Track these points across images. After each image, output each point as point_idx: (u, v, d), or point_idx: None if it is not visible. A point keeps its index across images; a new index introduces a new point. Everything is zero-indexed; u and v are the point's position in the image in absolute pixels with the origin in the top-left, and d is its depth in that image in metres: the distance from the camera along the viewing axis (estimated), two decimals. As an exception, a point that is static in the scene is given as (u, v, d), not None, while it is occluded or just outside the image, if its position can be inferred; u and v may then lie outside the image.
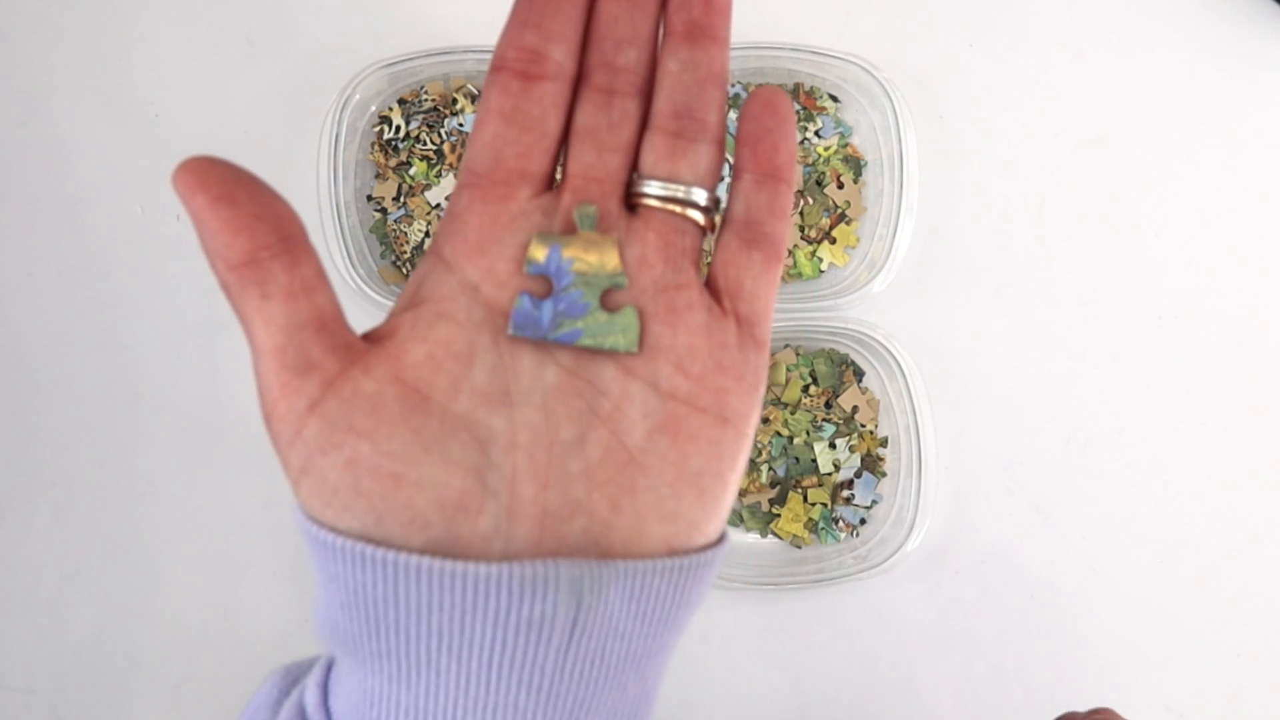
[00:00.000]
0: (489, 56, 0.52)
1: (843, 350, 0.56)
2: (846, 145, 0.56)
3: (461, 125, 0.55)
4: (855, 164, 0.56)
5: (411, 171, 0.55)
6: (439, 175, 0.55)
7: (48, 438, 0.55)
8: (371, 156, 0.55)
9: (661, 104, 0.24)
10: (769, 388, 0.55)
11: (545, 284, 0.23)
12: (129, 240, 0.55)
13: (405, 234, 0.55)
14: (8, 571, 0.55)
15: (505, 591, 0.21)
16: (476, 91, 0.55)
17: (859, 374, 0.56)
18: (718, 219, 0.25)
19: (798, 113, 0.56)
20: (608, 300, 0.23)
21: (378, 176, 0.55)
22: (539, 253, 0.23)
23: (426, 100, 0.55)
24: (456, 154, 0.55)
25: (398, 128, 0.55)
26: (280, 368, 0.21)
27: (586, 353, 0.23)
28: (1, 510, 0.55)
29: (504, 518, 0.22)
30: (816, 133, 0.56)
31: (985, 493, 0.55)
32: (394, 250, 0.55)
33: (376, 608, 0.21)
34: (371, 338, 0.23)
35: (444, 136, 0.55)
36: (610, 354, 0.23)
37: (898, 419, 0.54)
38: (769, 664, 0.55)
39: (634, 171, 0.24)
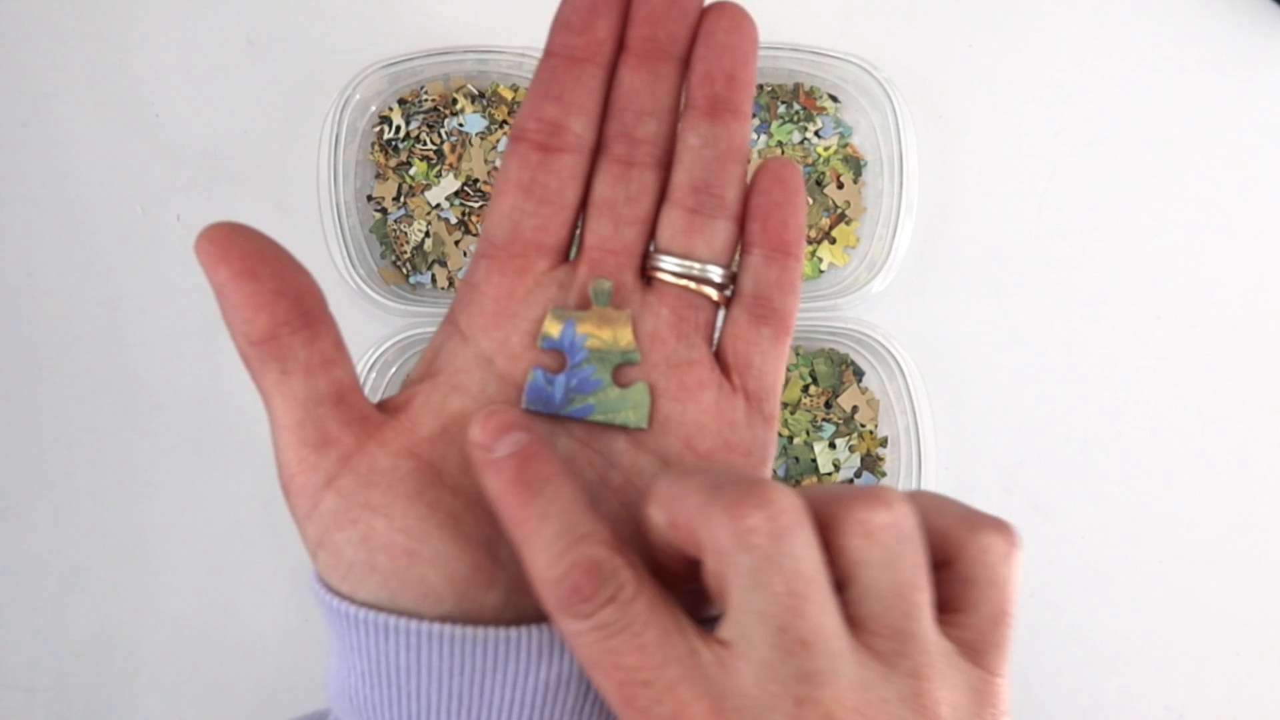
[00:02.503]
0: (489, 56, 0.53)
1: (843, 350, 0.56)
2: (846, 145, 0.56)
3: (461, 125, 0.55)
4: (855, 164, 0.56)
5: (411, 171, 0.55)
6: (439, 175, 0.55)
7: (48, 438, 0.55)
8: (371, 156, 0.55)
9: (680, 178, 0.24)
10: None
11: (559, 359, 0.23)
12: (129, 240, 0.55)
13: (405, 234, 0.55)
14: (8, 571, 0.55)
15: (524, 654, 0.21)
16: (476, 91, 0.55)
17: (859, 374, 0.56)
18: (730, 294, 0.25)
19: (797, 113, 0.56)
20: (620, 376, 0.23)
21: (378, 176, 0.55)
22: (554, 328, 0.23)
23: (426, 100, 0.55)
24: (456, 154, 0.55)
25: (398, 128, 0.55)
26: (299, 442, 0.22)
27: (598, 425, 0.23)
28: (2, 510, 0.55)
29: (514, 589, 0.22)
30: (816, 133, 0.56)
31: (985, 493, 0.55)
32: (394, 250, 0.55)
33: (398, 675, 0.21)
34: (387, 408, 0.23)
35: (444, 136, 0.55)
36: (621, 427, 0.23)
37: (898, 419, 0.54)
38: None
39: (651, 242, 0.24)
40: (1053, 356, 0.56)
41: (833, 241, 0.56)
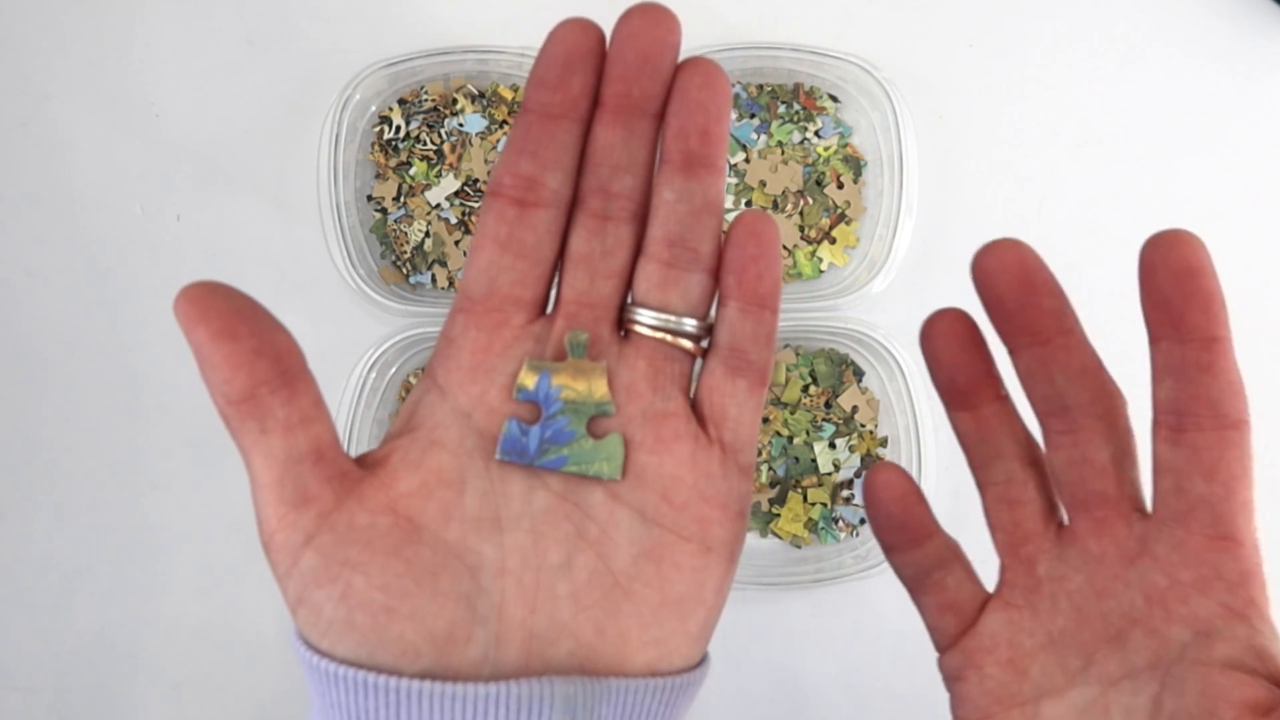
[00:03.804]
0: (489, 56, 0.53)
1: (843, 350, 0.56)
2: (846, 145, 0.56)
3: (461, 125, 0.55)
4: (855, 164, 0.56)
5: (411, 171, 0.55)
6: (439, 175, 0.55)
7: (48, 438, 0.55)
8: (371, 156, 0.55)
9: (656, 232, 0.24)
10: (769, 388, 0.55)
11: (534, 410, 0.24)
12: (129, 240, 0.55)
13: (405, 234, 0.55)
14: (9, 571, 0.55)
15: (503, 709, 0.21)
16: (476, 91, 0.55)
17: (859, 374, 0.56)
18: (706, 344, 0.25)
19: (797, 113, 0.56)
20: (594, 427, 0.24)
21: (378, 176, 0.55)
22: (529, 380, 0.23)
23: (426, 100, 0.55)
24: (456, 154, 0.55)
25: (398, 128, 0.55)
26: (278, 501, 0.22)
27: (576, 477, 0.23)
28: (2, 510, 0.55)
29: (492, 644, 0.22)
30: (816, 133, 0.56)
31: (985, 493, 0.55)
32: (394, 250, 0.55)
33: None
34: (366, 463, 0.23)
35: (444, 136, 0.55)
36: (597, 479, 0.23)
37: (898, 419, 0.54)
38: (769, 664, 0.55)
39: (628, 295, 0.25)
40: (1053, 356, 0.56)
41: (833, 241, 0.56)
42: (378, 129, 0.55)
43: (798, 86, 0.56)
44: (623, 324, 0.25)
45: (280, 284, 0.55)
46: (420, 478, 0.23)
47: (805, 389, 0.56)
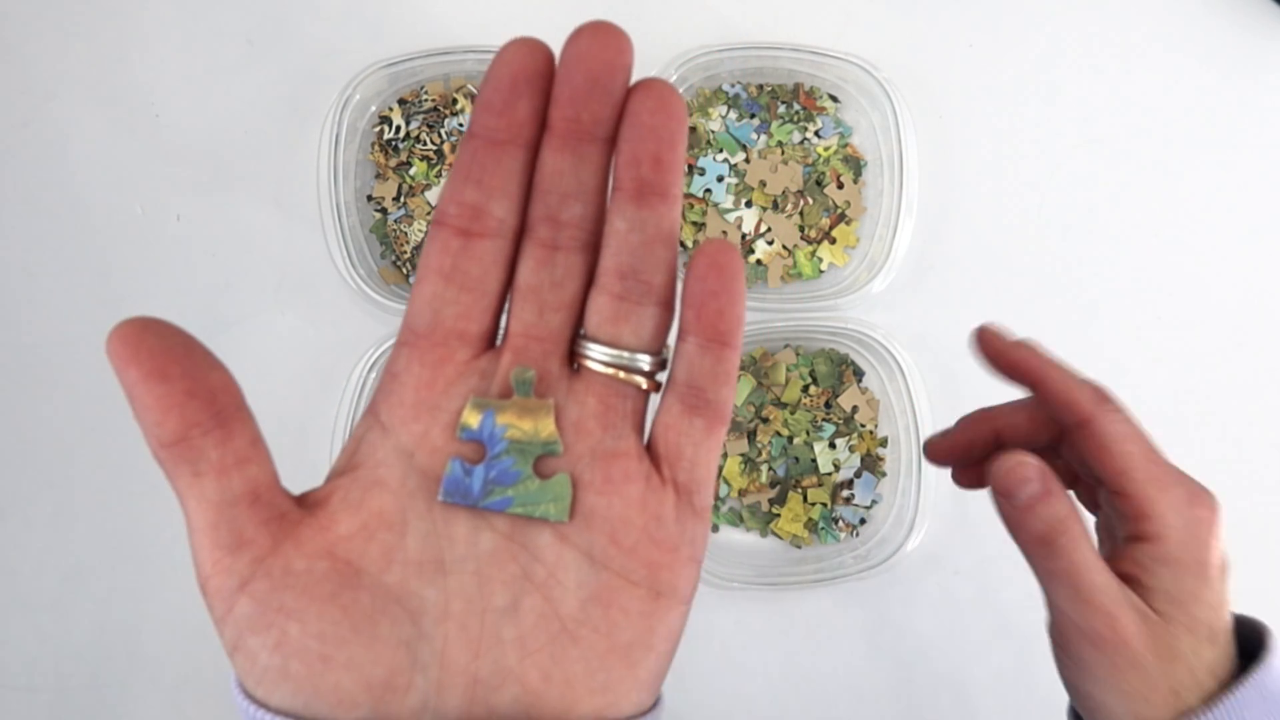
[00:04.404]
0: (489, 56, 0.52)
1: (843, 350, 0.56)
2: (846, 145, 0.56)
3: (461, 125, 0.55)
4: (855, 164, 0.56)
5: (411, 171, 0.55)
6: (439, 175, 0.55)
7: (48, 438, 0.55)
8: (371, 156, 0.55)
9: (608, 263, 0.23)
10: (769, 388, 0.55)
11: (479, 449, 0.23)
12: (129, 240, 0.55)
13: (405, 234, 0.55)
14: (9, 571, 0.55)
15: None
16: (476, 91, 0.55)
17: (859, 374, 0.56)
18: (662, 378, 0.24)
19: (797, 113, 0.56)
20: (541, 467, 0.23)
21: (378, 176, 0.55)
22: (473, 419, 0.23)
23: (426, 100, 0.55)
24: (456, 154, 0.55)
25: (398, 128, 0.55)
26: (213, 545, 0.21)
27: (522, 518, 0.23)
28: (2, 510, 0.55)
29: (433, 691, 0.22)
30: (816, 133, 0.56)
31: (985, 493, 0.55)
32: (394, 250, 0.55)
33: None
34: (307, 502, 0.23)
35: (444, 136, 0.55)
36: (544, 520, 0.23)
37: (898, 419, 0.54)
38: (769, 664, 0.55)
39: (580, 326, 0.24)
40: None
41: (833, 241, 0.56)
42: (378, 129, 0.55)
43: (798, 86, 0.56)
44: (574, 357, 0.24)
45: (280, 284, 0.55)
46: (361, 519, 0.22)
47: (805, 389, 0.56)
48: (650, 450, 0.24)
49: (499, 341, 0.24)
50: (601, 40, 0.21)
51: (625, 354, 0.23)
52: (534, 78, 0.21)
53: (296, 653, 0.21)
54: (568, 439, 0.23)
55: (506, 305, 0.24)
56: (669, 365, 0.24)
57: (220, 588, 0.21)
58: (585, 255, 0.23)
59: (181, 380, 0.20)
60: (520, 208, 0.23)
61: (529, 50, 0.21)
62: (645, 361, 0.23)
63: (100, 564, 0.55)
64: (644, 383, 0.23)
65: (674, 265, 0.23)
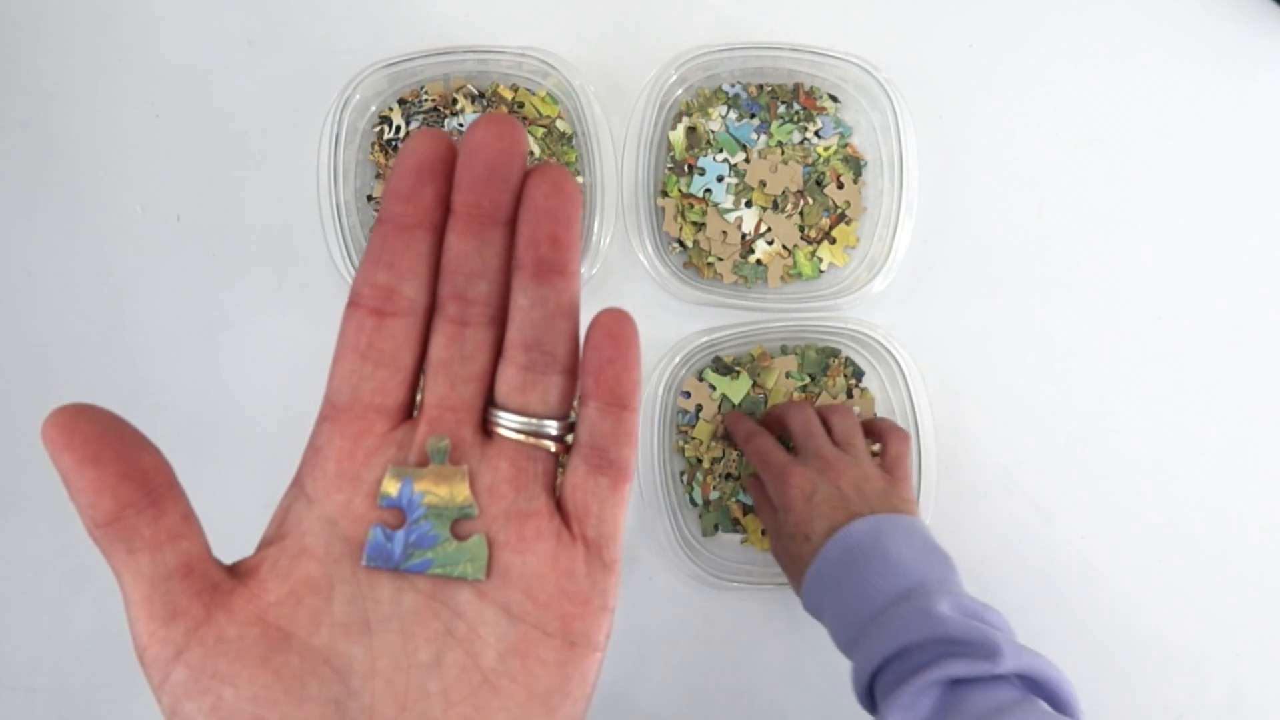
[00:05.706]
0: (489, 56, 0.53)
1: (843, 350, 0.56)
2: (846, 145, 0.56)
3: (461, 125, 0.55)
4: (855, 164, 0.56)
5: (411, 171, 0.55)
6: (439, 175, 0.55)
7: (48, 438, 0.55)
8: (371, 156, 0.55)
9: (514, 336, 0.24)
10: (764, 392, 0.55)
11: (399, 515, 0.24)
12: (129, 240, 0.55)
13: (405, 234, 0.55)
14: (9, 571, 0.55)
15: None
16: (476, 92, 0.55)
17: (859, 374, 0.56)
18: (570, 439, 0.26)
19: (797, 113, 0.56)
20: (458, 529, 0.24)
21: (378, 176, 0.55)
22: (392, 487, 0.24)
23: (426, 100, 0.55)
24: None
25: (398, 128, 0.55)
26: (148, 617, 0.22)
27: (442, 578, 0.24)
28: (3, 510, 0.55)
29: None
30: (816, 133, 0.56)
31: (985, 493, 0.55)
32: (394, 250, 0.55)
33: None
34: (239, 571, 0.24)
35: (444, 136, 0.55)
36: (462, 579, 0.24)
37: (897, 419, 0.54)
38: (769, 663, 0.55)
39: (489, 397, 0.25)
40: (1052, 356, 0.56)
41: (833, 241, 0.56)
42: (378, 129, 0.55)
43: (798, 86, 0.56)
44: (486, 425, 0.25)
45: (280, 284, 0.56)
46: (289, 586, 0.23)
47: (804, 389, 0.56)
48: (560, 509, 0.25)
49: (415, 413, 0.25)
50: (497, 131, 0.22)
51: (534, 420, 0.24)
52: (437, 165, 0.23)
53: (231, 715, 0.22)
54: (482, 502, 0.24)
55: (421, 379, 0.25)
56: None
57: (157, 658, 0.22)
58: (493, 329, 0.25)
59: (114, 463, 0.22)
60: (430, 287, 0.24)
61: (432, 140, 0.23)
62: (553, 426, 0.25)
63: (100, 564, 0.54)
64: (553, 446, 0.25)
65: (575, 335, 0.25)
